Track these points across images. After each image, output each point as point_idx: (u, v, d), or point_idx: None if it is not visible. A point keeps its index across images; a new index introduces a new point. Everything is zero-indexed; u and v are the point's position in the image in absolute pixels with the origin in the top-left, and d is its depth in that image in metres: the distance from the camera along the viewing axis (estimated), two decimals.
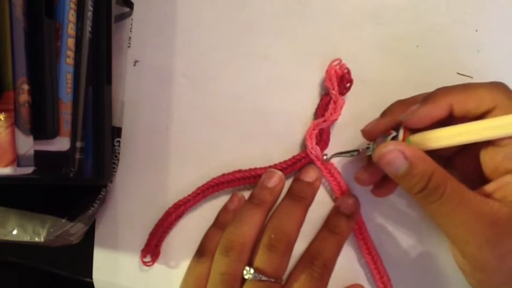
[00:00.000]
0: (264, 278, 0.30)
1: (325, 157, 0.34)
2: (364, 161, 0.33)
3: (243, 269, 0.31)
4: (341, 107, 0.34)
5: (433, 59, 0.35)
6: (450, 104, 0.27)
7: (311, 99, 0.35)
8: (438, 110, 0.27)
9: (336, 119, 0.34)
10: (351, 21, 0.36)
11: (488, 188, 0.27)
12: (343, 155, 0.33)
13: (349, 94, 0.35)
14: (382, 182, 0.33)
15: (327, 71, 0.34)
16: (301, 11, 0.36)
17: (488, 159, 0.27)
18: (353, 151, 0.32)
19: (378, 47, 0.36)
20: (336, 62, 0.34)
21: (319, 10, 0.36)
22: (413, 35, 0.35)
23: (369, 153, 0.31)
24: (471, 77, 0.35)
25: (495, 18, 0.35)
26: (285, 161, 0.35)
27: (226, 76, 0.36)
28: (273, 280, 0.31)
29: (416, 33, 0.35)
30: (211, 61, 0.36)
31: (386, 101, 0.35)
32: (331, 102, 0.34)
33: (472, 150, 0.28)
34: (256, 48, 0.36)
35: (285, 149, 0.35)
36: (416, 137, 0.28)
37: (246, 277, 0.31)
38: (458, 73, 0.35)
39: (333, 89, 0.33)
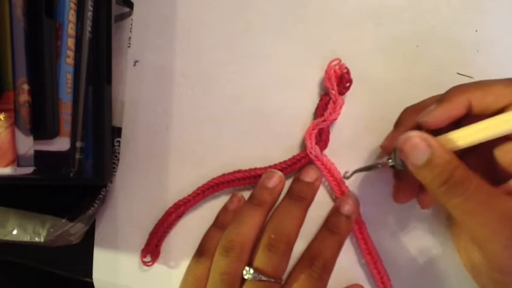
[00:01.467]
0: (263, 278, 0.30)
1: (347, 175, 0.32)
2: (394, 179, 0.32)
3: (243, 269, 0.31)
4: (340, 107, 0.34)
5: (433, 59, 0.35)
6: (468, 101, 0.27)
7: (311, 99, 0.35)
8: (456, 108, 0.27)
9: (336, 119, 0.34)
10: (351, 21, 0.36)
11: (510, 185, 0.26)
12: (364, 170, 0.32)
13: (348, 94, 0.35)
14: (423, 192, 0.31)
15: (326, 71, 0.34)
16: (301, 11, 0.36)
17: (503, 155, 0.27)
18: (374, 165, 0.31)
19: (378, 47, 0.36)
20: (335, 62, 0.34)
21: (319, 10, 0.36)
22: (413, 35, 0.35)
23: (391, 164, 0.29)
24: (471, 77, 0.35)
25: (495, 18, 0.35)
26: (284, 161, 0.35)
27: (226, 76, 0.36)
28: (272, 280, 0.31)
29: (416, 33, 0.35)
30: (211, 61, 0.36)
31: (386, 100, 0.35)
32: (331, 102, 0.34)
33: (483, 149, 0.28)
34: (256, 48, 0.36)
35: (285, 149, 0.35)
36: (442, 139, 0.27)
37: (245, 277, 0.31)
38: (458, 73, 0.35)
39: (332, 89, 0.33)
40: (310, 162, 0.34)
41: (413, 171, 0.26)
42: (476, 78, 0.35)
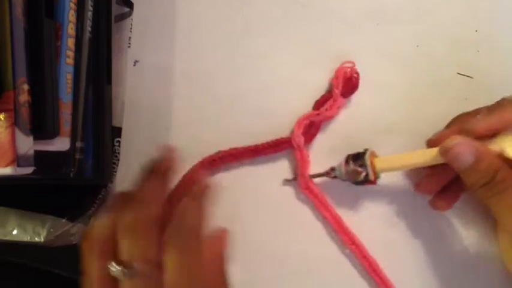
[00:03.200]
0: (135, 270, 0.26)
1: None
2: (427, 169, 0.33)
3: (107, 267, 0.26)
4: (338, 107, 0.34)
5: (433, 59, 0.35)
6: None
7: (311, 99, 0.35)
8: (505, 118, 0.28)
9: (331, 117, 0.34)
10: (351, 21, 0.36)
11: None
12: (318, 176, 0.34)
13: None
14: (443, 193, 0.32)
15: (337, 70, 0.34)
16: (301, 11, 0.36)
17: None
18: (323, 174, 0.34)
19: (378, 47, 0.36)
20: (348, 64, 0.34)
21: (319, 10, 0.36)
22: (413, 35, 0.35)
23: (333, 176, 0.33)
24: (471, 77, 0.35)
25: (495, 18, 0.35)
26: (267, 142, 0.35)
27: (226, 76, 0.36)
28: (146, 268, 0.26)
29: (417, 33, 0.35)
30: (211, 61, 0.36)
31: (386, 100, 0.35)
32: (331, 99, 0.34)
33: None
34: (256, 48, 0.36)
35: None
36: (380, 160, 0.31)
37: (115, 275, 0.26)
38: (459, 73, 0.35)
39: (336, 88, 0.34)
40: (290, 148, 0.34)
41: (459, 172, 0.28)
42: (476, 78, 0.35)
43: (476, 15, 0.35)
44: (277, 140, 0.34)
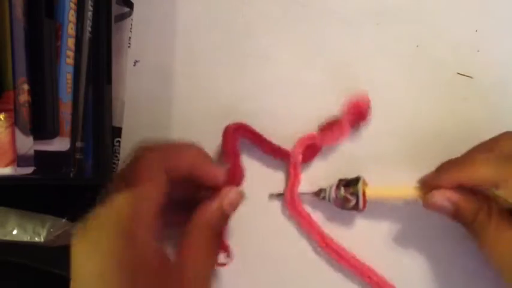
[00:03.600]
0: None
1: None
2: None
3: None
4: (344, 136, 0.34)
5: (433, 59, 0.35)
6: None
7: (311, 99, 0.35)
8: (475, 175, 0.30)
9: (334, 145, 0.34)
10: (351, 21, 0.36)
11: None
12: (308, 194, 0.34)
13: (346, 94, 0.35)
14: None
15: (350, 101, 0.34)
16: (301, 11, 0.36)
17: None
18: (312, 193, 0.34)
19: (378, 47, 0.36)
20: (361, 95, 0.34)
21: (319, 10, 0.36)
22: (413, 35, 0.35)
23: (322, 197, 0.33)
24: (471, 77, 0.35)
25: (495, 18, 0.35)
26: (271, 142, 0.34)
27: (226, 76, 0.36)
28: None
29: (416, 33, 0.35)
30: (211, 61, 0.36)
31: (386, 101, 0.35)
32: (338, 125, 0.34)
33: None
34: (256, 48, 0.36)
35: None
36: (371, 190, 0.32)
37: None
38: (458, 73, 0.35)
39: (346, 119, 0.34)
40: (286, 161, 0.34)
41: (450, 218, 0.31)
42: (476, 78, 0.35)
43: (476, 15, 0.35)
44: (278, 147, 0.34)
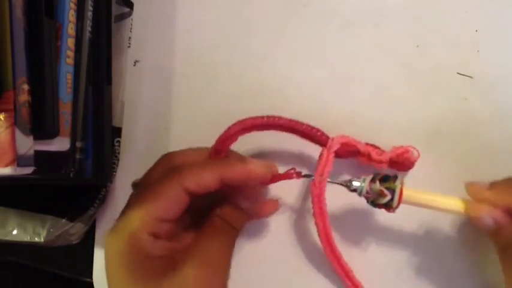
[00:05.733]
0: None
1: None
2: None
3: None
4: (380, 166, 0.33)
5: (433, 59, 0.35)
6: None
7: (311, 100, 0.35)
8: None
9: (367, 164, 0.33)
10: (351, 21, 0.36)
11: None
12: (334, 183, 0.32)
13: (347, 93, 0.35)
14: None
15: (402, 150, 0.33)
16: (301, 10, 0.36)
17: None
18: (342, 183, 0.32)
19: (378, 47, 0.36)
20: (411, 151, 0.33)
21: (319, 10, 0.36)
22: (413, 35, 0.35)
23: (352, 189, 0.31)
24: (471, 77, 0.35)
25: (495, 18, 0.35)
26: (308, 125, 0.33)
27: (226, 76, 0.36)
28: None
29: (416, 33, 0.35)
30: (211, 61, 0.36)
31: (386, 101, 0.35)
32: (381, 155, 0.33)
33: None
34: (256, 48, 0.36)
35: (284, 148, 0.35)
36: (409, 190, 0.30)
37: None
38: (458, 73, 0.35)
39: (387, 160, 0.32)
40: (321, 145, 0.33)
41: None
42: (476, 78, 0.35)
43: (476, 15, 0.35)
44: (317, 130, 0.33)
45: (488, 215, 0.29)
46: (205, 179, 0.28)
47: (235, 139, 0.32)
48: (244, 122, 0.32)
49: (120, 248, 0.27)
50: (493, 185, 0.30)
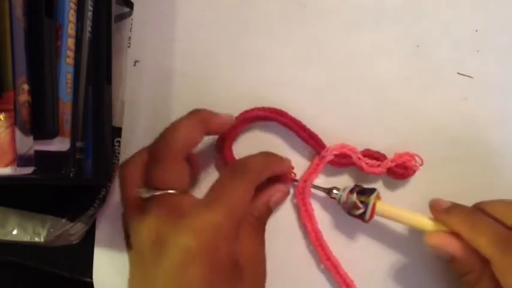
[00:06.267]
0: (157, 193, 0.29)
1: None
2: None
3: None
4: (379, 173, 0.34)
5: (433, 59, 0.35)
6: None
7: (311, 100, 0.35)
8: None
9: (364, 171, 0.34)
10: (351, 21, 0.36)
11: None
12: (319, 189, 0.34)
13: (347, 94, 0.35)
14: None
15: (402, 156, 0.33)
16: (301, 11, 0.36)
17: None
18: (325, 189, 0.33)
19: (378, 47, 0.36)
20: (412, 159, 0.34)
21: (319, 10, 0.36)
22: (413, 35, 0.35)
23: (333, 196, 0.33)
24: (471, 77, 0.35)
25: (495, 18, 0.35)
26: (306, 127, 0.34)
27: (226, 76, 0.36)
28: (171, 191, 0.29)
29: (416, 33, 0.35)
30: (211, 61, 0.36)
31: (386, 101, 0.35)
32: (378, 168, 0.33)
33: None
34: (256, 48, 0.36)
35: (284, 149, 0.35)
36: (383, 205, 0.32)
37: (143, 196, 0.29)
38: (459, 73, 0.35)
39: (388, 166, 0.33)
40: (315, 150, 0.34)
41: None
42: (476, 78, 0.35)
43: (476, 15, 0.35)
44: (314, 134, 0.34)
45: (440, 243, 0.30)
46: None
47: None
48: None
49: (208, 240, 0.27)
50: (453, 209, 0.30)
